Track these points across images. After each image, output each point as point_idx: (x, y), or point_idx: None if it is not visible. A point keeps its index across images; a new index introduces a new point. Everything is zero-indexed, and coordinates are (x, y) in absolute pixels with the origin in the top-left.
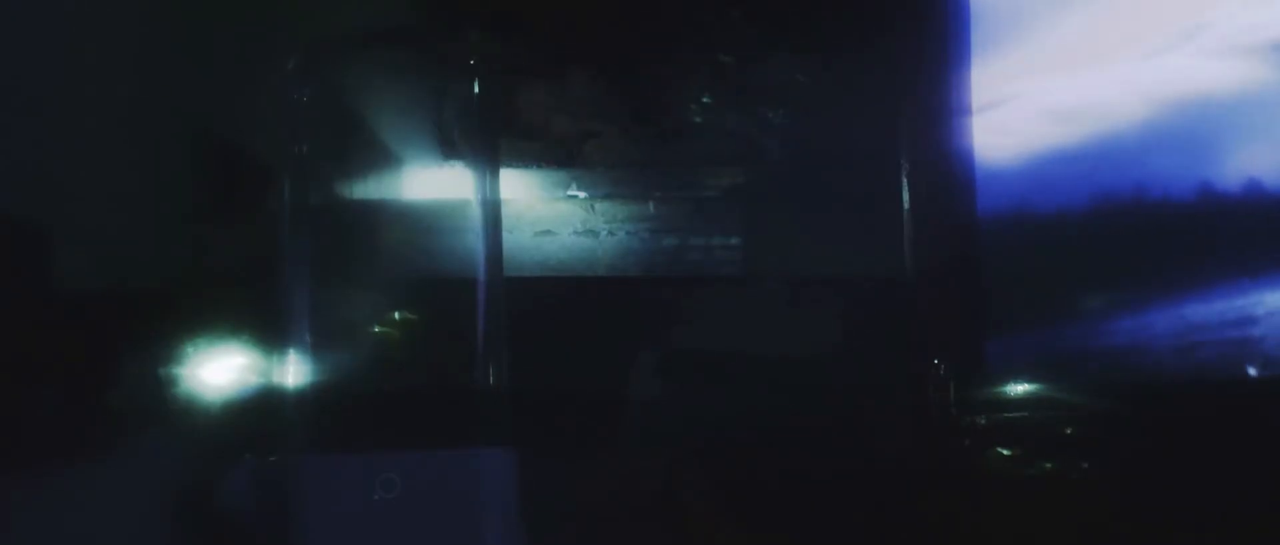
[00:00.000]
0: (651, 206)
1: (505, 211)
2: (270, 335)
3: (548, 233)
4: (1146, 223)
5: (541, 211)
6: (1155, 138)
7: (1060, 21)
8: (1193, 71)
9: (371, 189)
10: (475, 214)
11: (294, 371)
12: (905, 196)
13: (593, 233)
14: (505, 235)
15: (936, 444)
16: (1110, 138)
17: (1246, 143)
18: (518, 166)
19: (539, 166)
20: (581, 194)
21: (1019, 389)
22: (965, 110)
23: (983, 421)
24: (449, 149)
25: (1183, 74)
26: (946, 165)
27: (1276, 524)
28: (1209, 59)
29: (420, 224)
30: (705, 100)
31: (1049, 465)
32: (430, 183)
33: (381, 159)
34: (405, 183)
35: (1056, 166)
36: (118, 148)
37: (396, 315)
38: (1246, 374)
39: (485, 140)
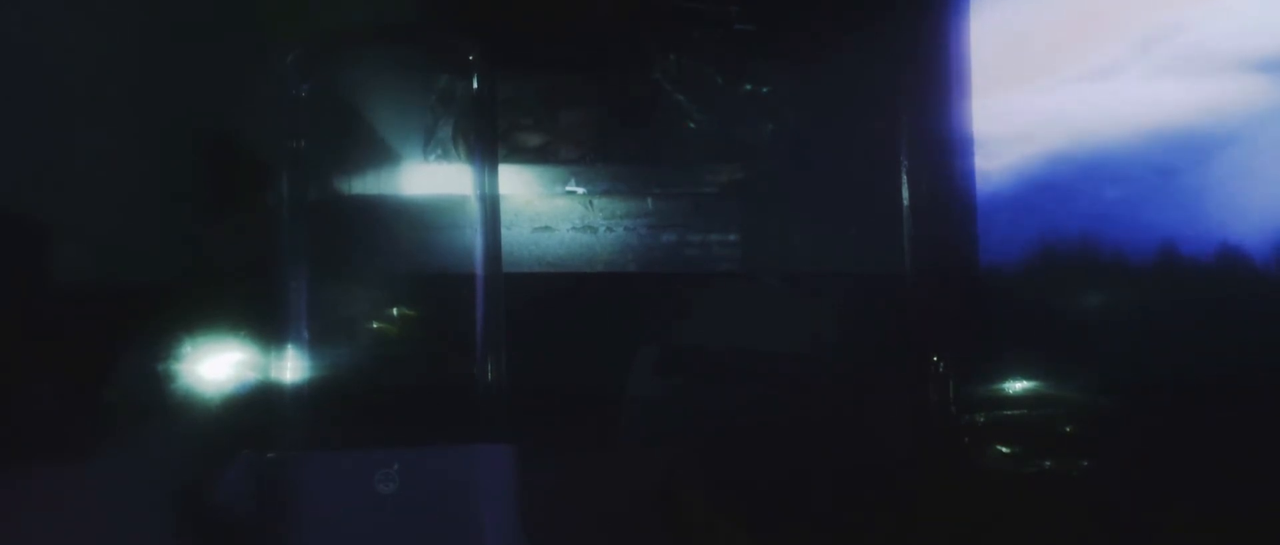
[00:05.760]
0: (650, 203)
1: (503, 207)
2: (267, 331)
3: (546, 229)
4: (1143, 222)
5: (540, 208)
6: (1152, 138)
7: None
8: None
9: (370, 184)
10: (474, 209)
11: (291, 367)
12: (905, 193)
13: (591, 229)
14: (504, 231)
15: (935, 442)
16: (1110, 139)
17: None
18: (516, 162)
19: (537, 162)
20: (580, 190)
21: (1019, 387)
22: (967, 107)
23: (982, 419)
24: (447, 145)
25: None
26: (947, 162)
27: (1276, 524)
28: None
29: (419, 219)
30: (704, 96)
31: (1049, 464)
32: (429, 178)
33: (380, 154)
34: (404, 178)
35: (1056, 165)
36: (112, 142)
37: (395, 311)
38: (1245, 372)
39: (483, 136)
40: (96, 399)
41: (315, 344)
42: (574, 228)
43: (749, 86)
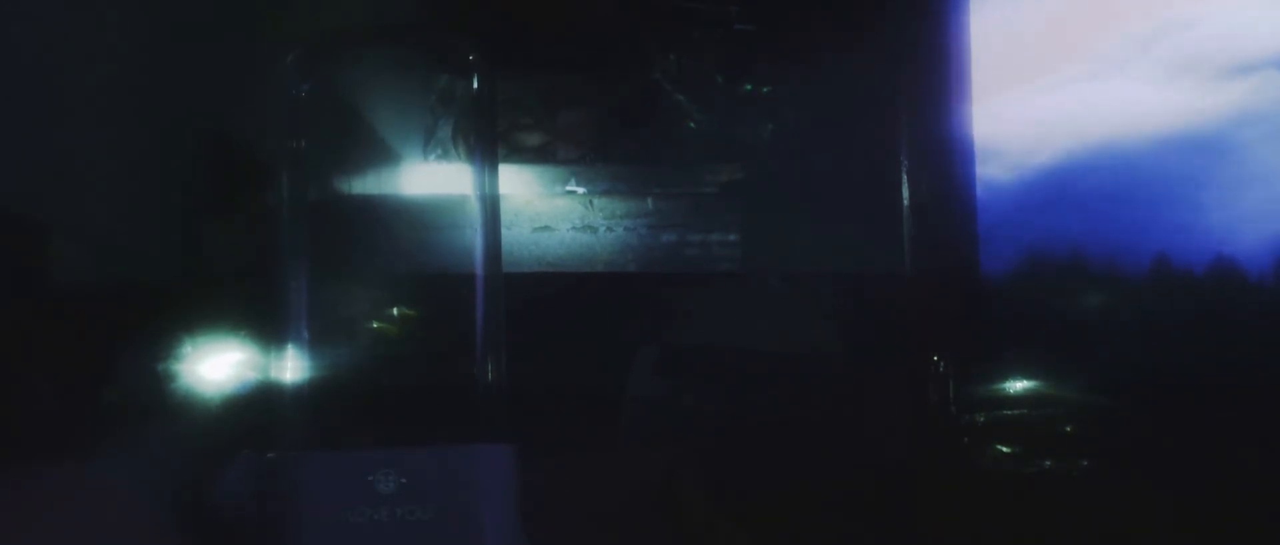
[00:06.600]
0: (650, 203)
1: (503, 207)
2: (267, 331)
3: (546, 229)
4: (1143, 222)
5: (540, 208)
6: (1153, 139)
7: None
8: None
9: (370, 184)
10: (474, 209)
11: (291, 367)
12: (905, 193)
13: (591, 229)
14: (504, 231)
15: (935, 442)
16: (1110, 139)
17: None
18: (516, 162)
19: (537, 162)
20: (580, 190)
21: (1019, 387)
22: (967, 107)
23: (982, 419)
24: (447, 145)
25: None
26: (946, 163)
27: (1276, 524)
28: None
29: (419, 219)
30: (704, 96)
31: (1049, 464)
32: (429, 178)
33: (380, 154)
34: (404, 178)
35: (1056, 165)
36: (112, 142)
37: (395, 311)
38: (1244, 373)
39: (483, 136)
40: (96, 399)
41: (315, 344)
42: (574, 228)
43: (749, 86)
